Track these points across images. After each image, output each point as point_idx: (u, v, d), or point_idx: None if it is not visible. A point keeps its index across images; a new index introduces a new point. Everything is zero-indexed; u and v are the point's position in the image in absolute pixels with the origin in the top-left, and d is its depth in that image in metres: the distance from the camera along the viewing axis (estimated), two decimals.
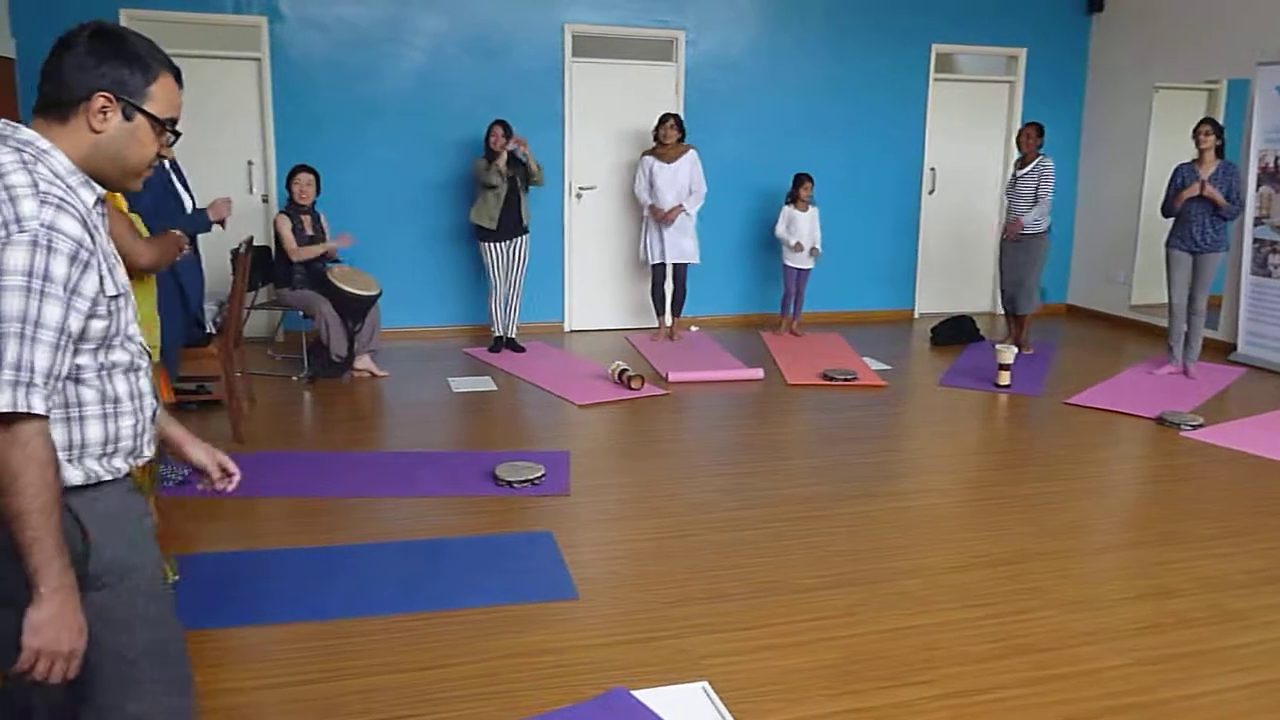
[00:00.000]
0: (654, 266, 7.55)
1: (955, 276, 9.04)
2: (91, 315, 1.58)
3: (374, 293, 6.38)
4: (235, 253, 5.38)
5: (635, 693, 2.85)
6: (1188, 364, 6.78)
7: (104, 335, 1.62)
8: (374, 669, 2.97)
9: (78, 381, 1.61)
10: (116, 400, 1.67)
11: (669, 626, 3.27)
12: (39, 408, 1.50)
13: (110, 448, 1.67)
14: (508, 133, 6.85)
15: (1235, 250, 7.57)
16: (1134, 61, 8.58)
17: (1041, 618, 3.39)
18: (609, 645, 3.14)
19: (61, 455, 1.59)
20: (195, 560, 3.66)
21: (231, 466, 1.99)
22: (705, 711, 2.77)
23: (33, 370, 1.49)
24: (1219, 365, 7.26)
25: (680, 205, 7.37)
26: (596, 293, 8.19)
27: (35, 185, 1.53)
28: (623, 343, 7.72)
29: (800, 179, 7.64)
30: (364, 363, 6.50)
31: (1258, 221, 7.35)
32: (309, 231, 6.45)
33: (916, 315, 8.96)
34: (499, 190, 6.88)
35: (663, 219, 7.36)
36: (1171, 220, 6.64)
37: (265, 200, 7.33)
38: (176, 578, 3.43)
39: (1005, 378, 6.51)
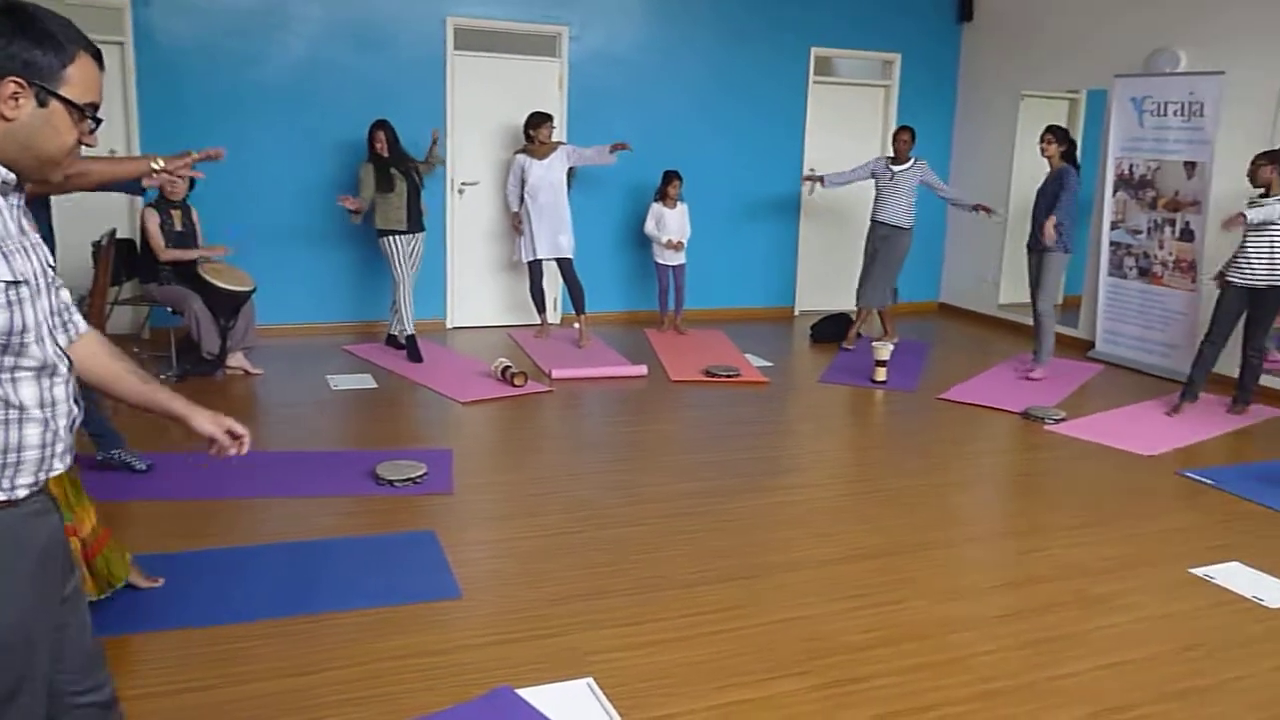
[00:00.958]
0: (530, 264, 7.49)
1: (834, 275, 9.24)
2: None
3: (248, 288, 6.18)
4: (97, 245, 5.13)
5: (520, 691, 2.83)
6: (1036, 363, 7.02)
7: (4, 330, 1.51)
8: (256, 675, 2.88)
9: None
10: (21, 407, 1.55)
11: (553, 624, 3.26)
12: None
13: (11, 457, 1.55)
14: (389, 135, 6.71)
15: (1093, 253, 7.95)
16: (1001, 70, 8.93)
17: (915, 607, 3.49)
18: (494, 644, 3.11)
19: None
20: None
21: (239, 429, 1.90)
22: (590, 708, 2.77)
23: None
24: (1079, 362, 7.61)
25: (620, 145, 7.32)
26: (479, 289, 8.10)
27: None
28: (506, 339, 7.66)
29: (669, 176, 7.68)
30: (238, 360, 6.28)
31: (1114, 226, 7.73)
32: (179, 227, 6.20)
33: (797, 313, 9.14)
34: (400, 190, 6.75)
35: (613, 148, 7.31)
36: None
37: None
38: (151, 583, 3.36)
39: (882, 374, 6.69)
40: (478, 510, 4.28)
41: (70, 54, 1.56)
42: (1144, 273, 7.51)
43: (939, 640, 3.26)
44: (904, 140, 7.58)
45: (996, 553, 4.10)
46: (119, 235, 6.24)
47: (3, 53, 1.50)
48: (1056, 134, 6.75)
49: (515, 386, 6.14)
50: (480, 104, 7.80)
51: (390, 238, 6.80)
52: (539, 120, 7.32)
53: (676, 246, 7.76)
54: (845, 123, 9.12)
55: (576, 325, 7.51)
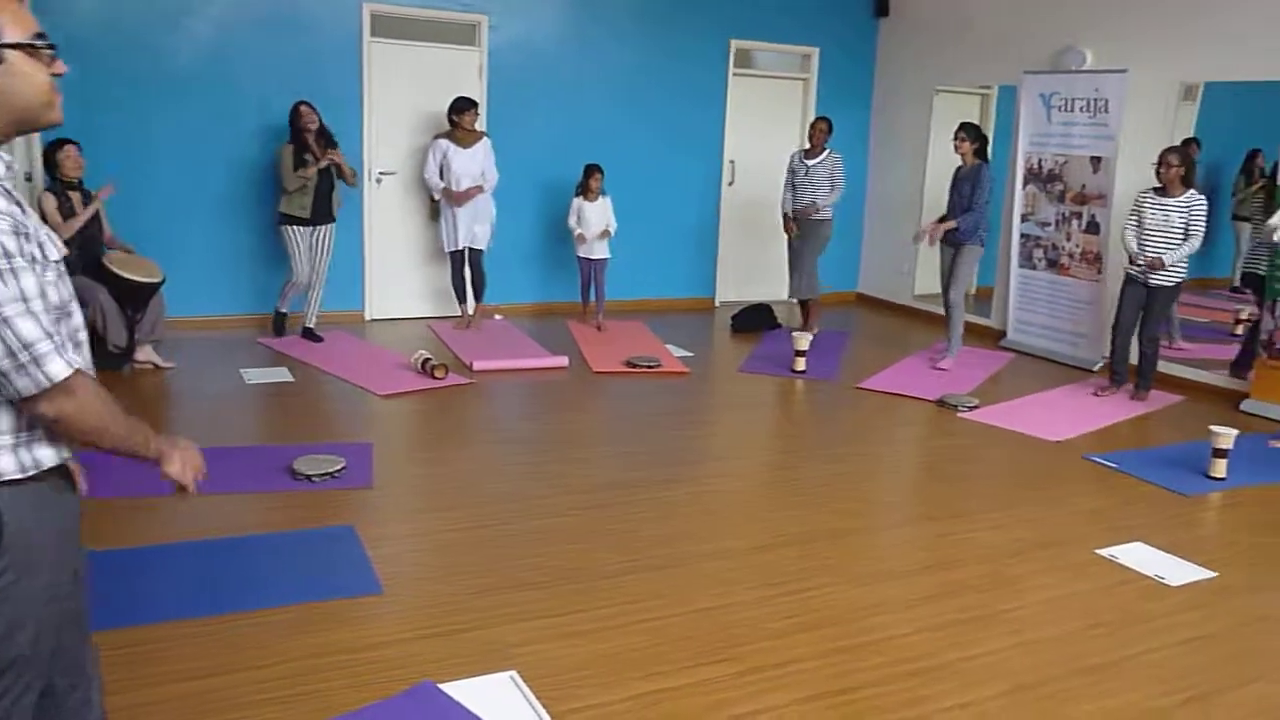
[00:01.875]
0: (452, 254, 7.42)
1: (753, 266, 9.33)
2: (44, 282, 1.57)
3: (156, 280, 6.00)
4: None
5: (443, 685, 2.80)
6: (946, 354, 7.19)
7: (60, 302, 1.62)
8: (171, 676, 2.81)
9: None
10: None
11: (476, 617, 3.24)
12: (76, 361, 1.57)
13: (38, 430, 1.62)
14: (314, 110, 6.62)
15: (1004, 245, 8.16)
16: (916, 65, 9.09)
17: (835, 592, 3.56)
18: (416, 639, 3.08)
19: (7, 439, 1.57)
20: None
21: (203, 468, 1.96)
22: (514, 701, 2.76)
23: (49, 335, 1.53)
24: (991, 351, 7.81)
25: (478, 186, 7.28)
26: (397, 280, 7.99)
27: None
28: (426, 331, 7.57)
29: (590, 170, 7.66)
30: (146, 354, 6.10)
31: (1024, 218, 7.94)
32: (79, 210, 6.00)
33: (717, 304, 9.20)
34: (311, 177, 6.63)
35: (458, 200, 7.24)
36: None
37: (29, 179, 6.75)
38: None
39: (801, 363, 6.78)
40: (398, 504, 4.23)
41: None
42: (1052, 264, 7.73)
43: (858, 624, 3.32)
44: (820, 130, 7.67)
45: (913, 537, 4.19)
46: None
47: None
48: (969, 132, 6.91)
49: (436, 379, 6.08)
50: (398, 93, 7.68)
51: (290, 226, 6.70)
52: (464, 106, 7.23)
53: (604, 234, 7.74)
54: (765, 116, 9.20)
55: (498, 317, 7.47)
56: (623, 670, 2.96)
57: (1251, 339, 6.71)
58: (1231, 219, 8.03)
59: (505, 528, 4.00)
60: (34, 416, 1.58)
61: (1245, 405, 6.35)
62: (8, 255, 1.49)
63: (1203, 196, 6.02)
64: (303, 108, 6.65)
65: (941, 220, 7.04)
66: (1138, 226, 6.19)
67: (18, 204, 1.56)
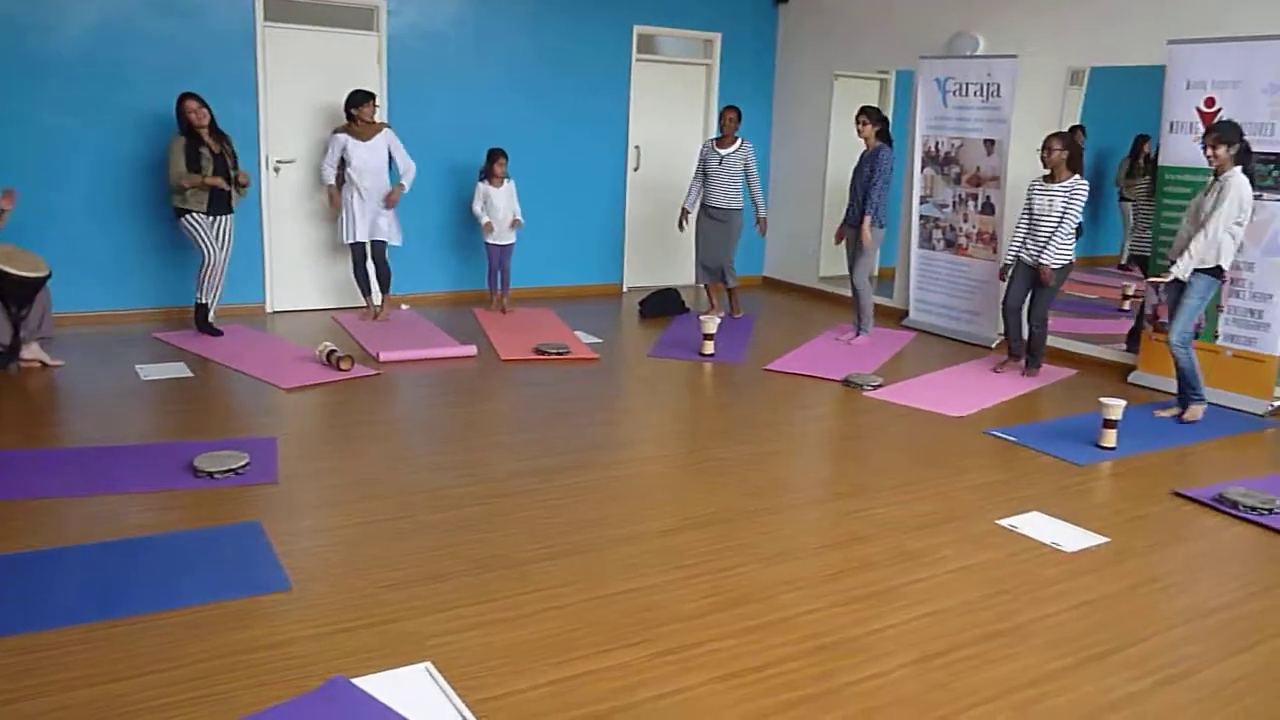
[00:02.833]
0: (353, 245, 7.29)
1: (660, 251, 9.38)
2: None
3: (42, 274, 5.76)
4: None
5: (356, 680, 2.77)
6: (860, 331, 7.37)
7: None
8: (70, 684, 2.71)
9: None
10: None
11: (389, 610, 3.20)
12: None
13: None
14: (204, 105, 6.43)
15: (904, 226, 8.34)
16: (816, 50, 9.22)
17: (747, 572, 3.60)
18: (327, 634, 3.03)
19: None
20: None
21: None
22: (429, 692, 2.74)
23: None
24: (894, 330, 7.99)
25: (400, 187, 7.24)
26: (300, 271, 7.82)
27: None
28: (330, 323, 7.42)
29: (494, 154, 7.58)
30: (33, 351, 5.86)
31: (922, 200, 8.13)
32: None
33: (625, 289, 9.22)
34: (205, 170, 6.43)
35: (390, 204, 7.21)
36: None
37: None
38: None
39: (709, 347, 6.84)
40: (306, 498, 4.15)
41: None
42: (950, 244, 7.93)
43: (770, 602, 3.38)
44: (730, 119, 7.71)
45: (822, 515, 4.27)
46: None
47: None
48: (870, 115, 7.04)
49: (341, 370, 5.97)
50: (296, 80, 7.50)
51: (190, 217, 6.50)
52: (361, 99, 7.11)
53: (514, 224, 7.68)
54: (668, 101, 9.23)
55: (404, 307, 7.37)
56: (538, 657, 2.96)
57: (1141, 314, 7.00)
58: (1119, 201, 8.35)
59: (416, 519, 3.96)
60: None
61: (1133, 377, 6.62)
62: None
63: (1085, 182, 6.24)
64: (189, 102, 6.43)
65: (848, 212, 7.18)
66: (1028, 214, 6.38)
67: None
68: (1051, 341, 6.71)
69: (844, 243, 7.34)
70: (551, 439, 5.05)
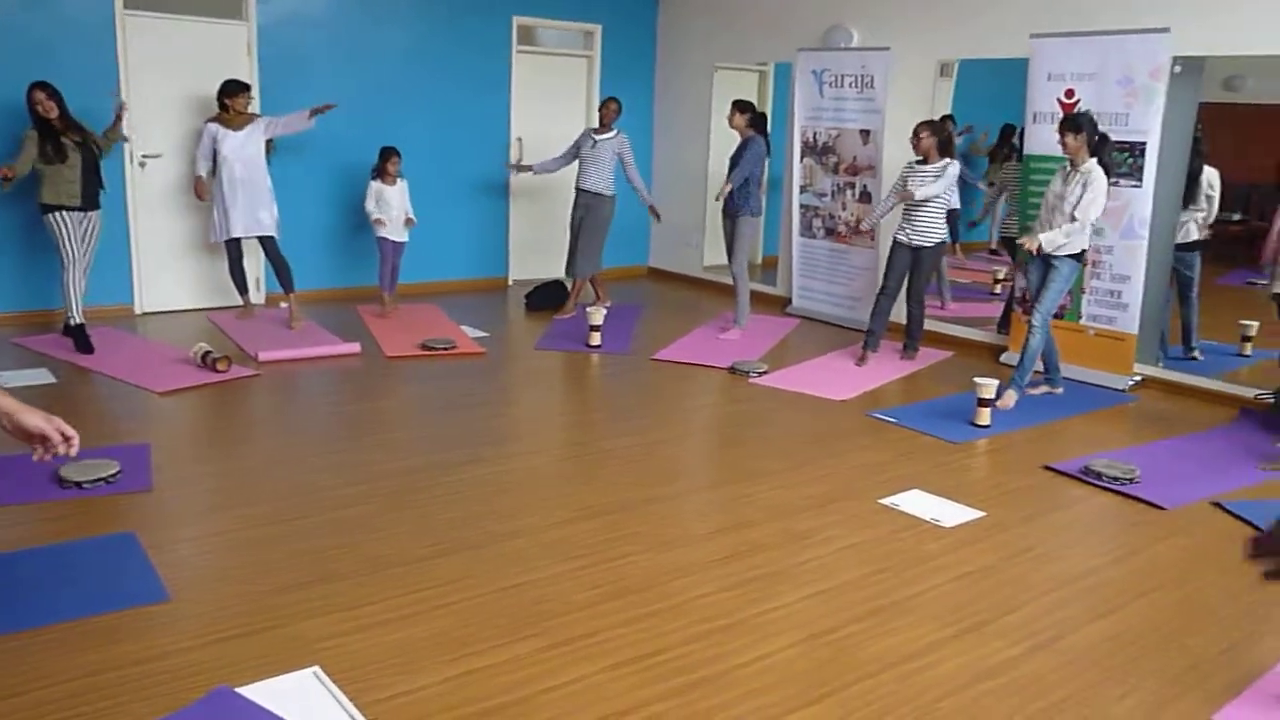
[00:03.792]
0: (227, 243, 7.06)
1: (545, 243, 9.34)
2: None
3: None
4: None
5: (241, 689, 2.69)
6: (736, 322, 7.46)
7: None
8: None
9: None
10: None
11: (275, 615, 3.12)
12: None
13: None
14: (55, 99, 6.11)
15: (786, 215, 8.50)
16: (696, 42, 9.30)
17: (638, 560, 3.63)
18: (210, 644, 2.94)
19: None
20: None
21: (70, 430, 1.90)
22: (319, 697, 2.69)
23: None
24: (778, 317, 8.14)
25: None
26: (171, 270, 7.53)
27: None
28: (206, 323, 7.18)
29: (387, 153, 7.43)
30: None
31: (802, 190, 8.29)
32: None
33: (510, 282, 9.17)
34: (73, 161, 6.12)
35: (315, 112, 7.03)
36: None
37: None
38: None
39: (596, 338, 6.86)
40: (183, 505, 4.01)
41: None
42: (830, 232, 8.11)
43: (662, 589, 3.41)
44: (611, 110, 7.72)
45: (711, 501, 4.33)
46: None
47: None
48: (740, 106, 7.15)
49: (218, 372, 5.78)
50: (161, 71, 7.21)
51: (59, 214, 6.18)
52: (234, 89, 6.88)
53: (408, 223, 7.55)
54: (550, 92, 9.19)
55: (285, 305, 7.16)
56: (430, 655, 2.93)
57: (1011, 297, 7.29)
58: (987, 187, 8.67)
59: (301, 521, 3.87)
60: None
61: (1004, 358, 6.89)
62: None
63: (955, 162, 6.47)
64: (36, 93, 6.10)
65: (725, 201, 7.28)
66: (901, 189, 6.57)
67: None
68: (927, 325, 6.92)
69: (723, 232, 7.45)
70: (439, 435, 4.99)
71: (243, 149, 6.92)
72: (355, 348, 6.51)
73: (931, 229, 6.47)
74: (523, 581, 3.43)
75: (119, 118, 6.55)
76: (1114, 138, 5.95)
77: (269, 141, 7.15)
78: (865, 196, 7.76)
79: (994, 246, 9.54)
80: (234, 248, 7.07)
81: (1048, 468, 4.81)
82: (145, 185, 7.31)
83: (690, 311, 8.31)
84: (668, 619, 3.20)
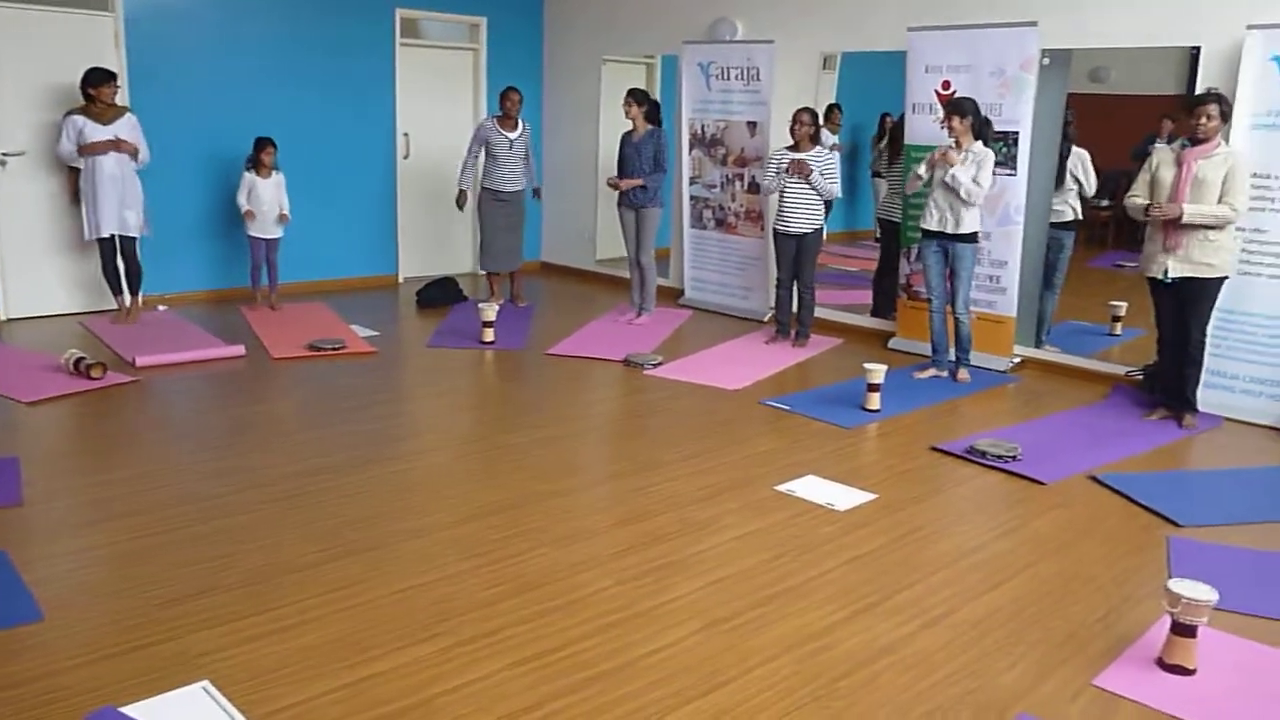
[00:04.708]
0: (101, 241, 6.76)
1: (436, 239, 9.21)
2: None
3: None
4: None
5: (126, 708, 2.59)
6: (642, 310, 7.55)
7: None
8: None
9: None
10: None
11: (160, 630, 3.00)
12: None
13: None
14: None
15: (676, 207, 8.55)
16: (583, 35, 9.28)
17: (538, 556, 3.61)
18: (90, 663, 2.81)
19: None
20: None
21: None
22: (208, 711, 2.60)
23: None
24: (671, 309, 8.19)
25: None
26: (38, 273, 7.18)
27: None
28: (78, 328, 6.87)
29: (261, 143, 7.22)
30: None
31: (692, 181, 8.35)
32: None
33: (401, 279, 9.01)
34: None
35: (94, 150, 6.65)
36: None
37: None
38: None
39: (490, 334, 6.79)
40: (56, 520, 3.83)
41: None
42: (720, 223, 8.19)
43: (563, 584, 3.40)
44: (514, 101, 7.61)
45: (610, 494, 4.33)
46: None
47: None
48: (636, 96, 7.17)
49: (92, 379, 5.54)
50: (20, 63, 6.85)
51: None
52: (100, 79, 6.58)
53: (281, 219, 7.34)
54: (436, 86, 9.06)
55: (161, 308, 6.91)
56: (325, 662, 2.86)
57: (879, 282, 7.49)
58: (871, 176, 8.86)
59: (186, 531, 3.73)
60: None
61: (892, 343, 7.07)
62: None
63: (829, 149, 6.62)
64: None
65: (623, 194, 7.29)
66: (774, 175, 6.68)
67: None
68: (817, 313, 7.05)
69: (625, 226, 7.45)
70: (329, 437, 4.88)
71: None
72: (239, 350, 6.31)
73: (810, 216, 6.61)
74: (422, 582, 3.38)
75: None
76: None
77: None
78: (754, 187, 7.85)
79: (877, 235, 9.76)
80: (106, 246, 6.78)
81: (935, 449, 4.96)
82: (8, 184, 6.94)
83: (584, 305, 8.30)
84: (569, 614, 3.19)
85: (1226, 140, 5.25)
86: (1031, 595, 3.45)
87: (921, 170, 5.98)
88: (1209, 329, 5.35)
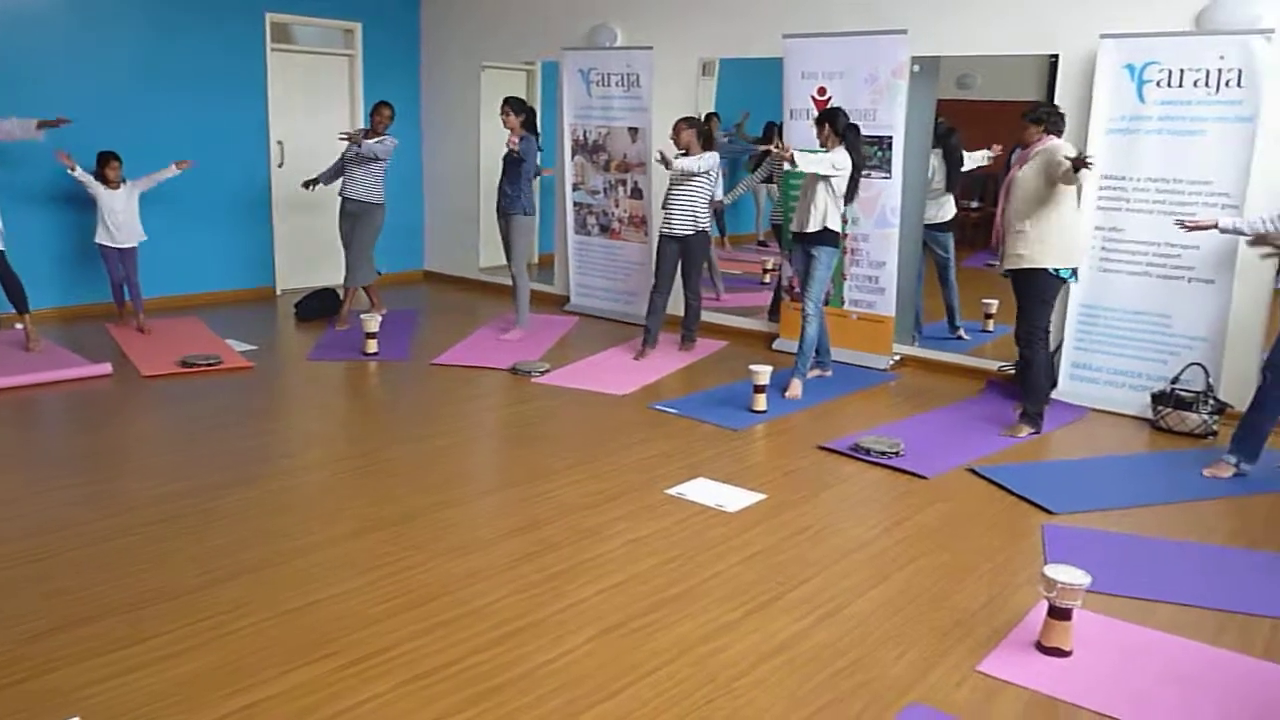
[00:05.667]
0: None
1: (314, 250, 8.98)
2: None
3: None
4: None
5: None
6: (517, 323, 7.41)
7: None
8: None
9: None
10: None
11: (29, 666, 2.84)
12: None
13: None
14: None
15: (560, 213, 8.53)
16: (461, 42, 9.18)
17: (430, 569, 3.55)
18: None
19: None
20: None
21: None
22: None
23: None
24: (557, 315, 8.16)
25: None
26: None
27: None
28: None
29: (104, 158, 6.84)
30: None
31: (575, 187, 8.35)
32: None
33: (279, 292, 8.75)
34: None
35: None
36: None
37: None
38: None
39: (373, 346, 6.65)
40: None
41: None
42: (604, 229, 8.21)
43: (455, 596, 3.34)
44: (384, 116, 7.44)
45: (500, 504, 4.28)
46: None
47: None
48: (513, 105, 7.11)
49: None
50: None
51: None
52: None
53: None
54: (311, 93, 8.84)
55: (19, 326, 6.53)
56: (208, 690, 2.74)
57: (779, 286, 7.61)
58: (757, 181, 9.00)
59: (52, 561, 3.54)
60: None
61: (776, 345, 7.19)
62: None
63: (714, 154, 6.68)
64: None
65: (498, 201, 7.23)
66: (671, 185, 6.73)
67: None
68: (703, 316, 7.12)
69: (499, 232, 7.38)
70: (207, 456, 4.70)
71: None
72: (106, 369, 6.03)
73: (695, 218, 6.66)
74: (309, 602, 3.28)
75: None
76: (864, 132, 6.31)
77: None
78: (637, 193, 7.89)
79: (761, 238, 9.94)
80: None
81: (821, 447, 5.05)
82: None
83: (469, 314, 8.20)
84: (463, 626, 3.14)
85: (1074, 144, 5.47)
86: (918, 587, 3.55)
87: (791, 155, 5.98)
88: (1073, 326, 5.59)
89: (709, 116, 7.88)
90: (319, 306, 7.83)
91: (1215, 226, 4.93)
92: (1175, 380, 5.56)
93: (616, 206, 8.09)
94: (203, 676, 2.82)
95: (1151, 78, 5.55)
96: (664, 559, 3.70)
